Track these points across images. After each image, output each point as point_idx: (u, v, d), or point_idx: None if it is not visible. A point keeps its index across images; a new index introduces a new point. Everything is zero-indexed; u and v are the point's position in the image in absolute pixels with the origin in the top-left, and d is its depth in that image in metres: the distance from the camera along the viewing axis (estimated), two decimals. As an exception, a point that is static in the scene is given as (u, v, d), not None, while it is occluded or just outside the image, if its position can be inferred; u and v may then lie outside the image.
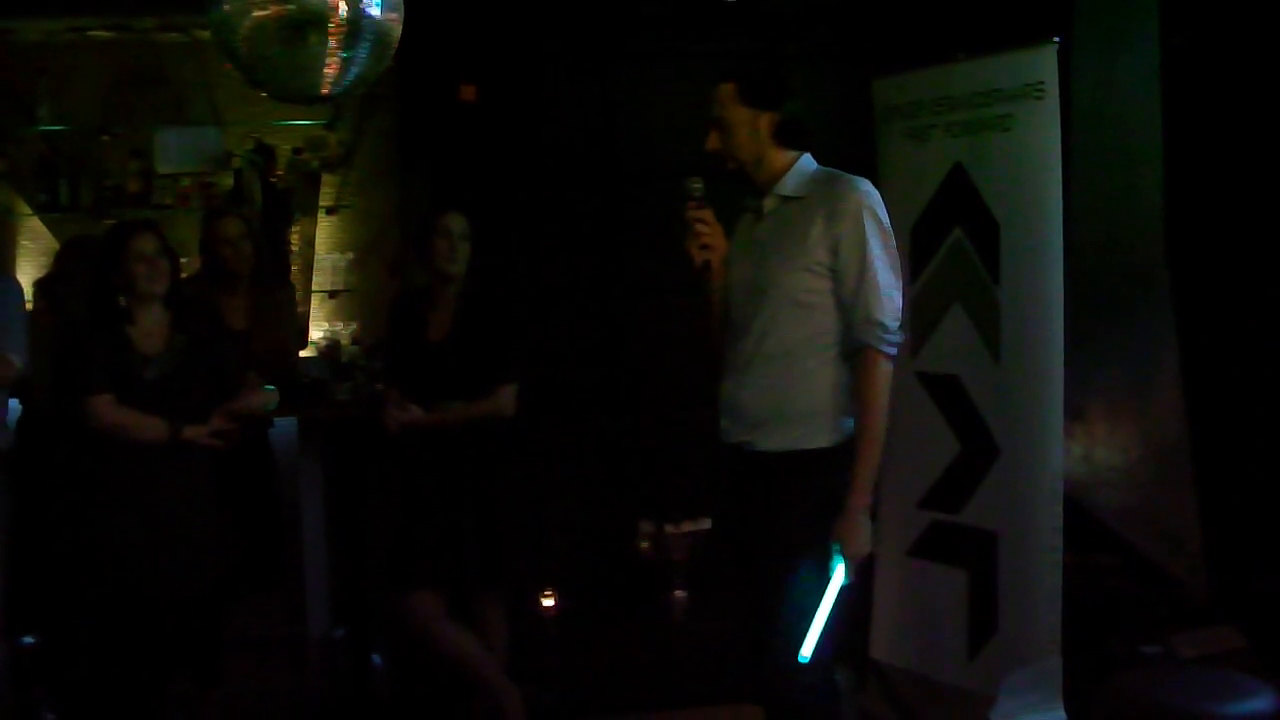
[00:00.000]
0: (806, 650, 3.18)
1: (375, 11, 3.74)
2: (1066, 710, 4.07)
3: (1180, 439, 5.16)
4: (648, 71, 5.84)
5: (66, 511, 3.92)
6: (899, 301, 3.25)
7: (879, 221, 3.24)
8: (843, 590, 3.19)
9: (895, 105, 4.49)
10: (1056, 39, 4.02)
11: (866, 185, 3.27)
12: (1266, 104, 4.86)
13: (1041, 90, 4.02)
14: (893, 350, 3.24)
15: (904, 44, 5.19)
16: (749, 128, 3.31)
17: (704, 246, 3.38)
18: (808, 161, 3.37)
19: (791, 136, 3.34)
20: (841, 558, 3.16)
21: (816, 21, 5.79)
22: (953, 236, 4.29)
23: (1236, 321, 5.06)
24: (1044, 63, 4.02)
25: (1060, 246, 4.01)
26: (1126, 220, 5.33)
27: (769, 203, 3.36)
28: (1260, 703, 3.54)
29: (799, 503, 3.24)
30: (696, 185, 3.37)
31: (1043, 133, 4.03)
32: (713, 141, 3.35)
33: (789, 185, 3.33)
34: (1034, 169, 4.05)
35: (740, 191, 3.46)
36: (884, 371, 3.22)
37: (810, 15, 5.79)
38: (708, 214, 3.38)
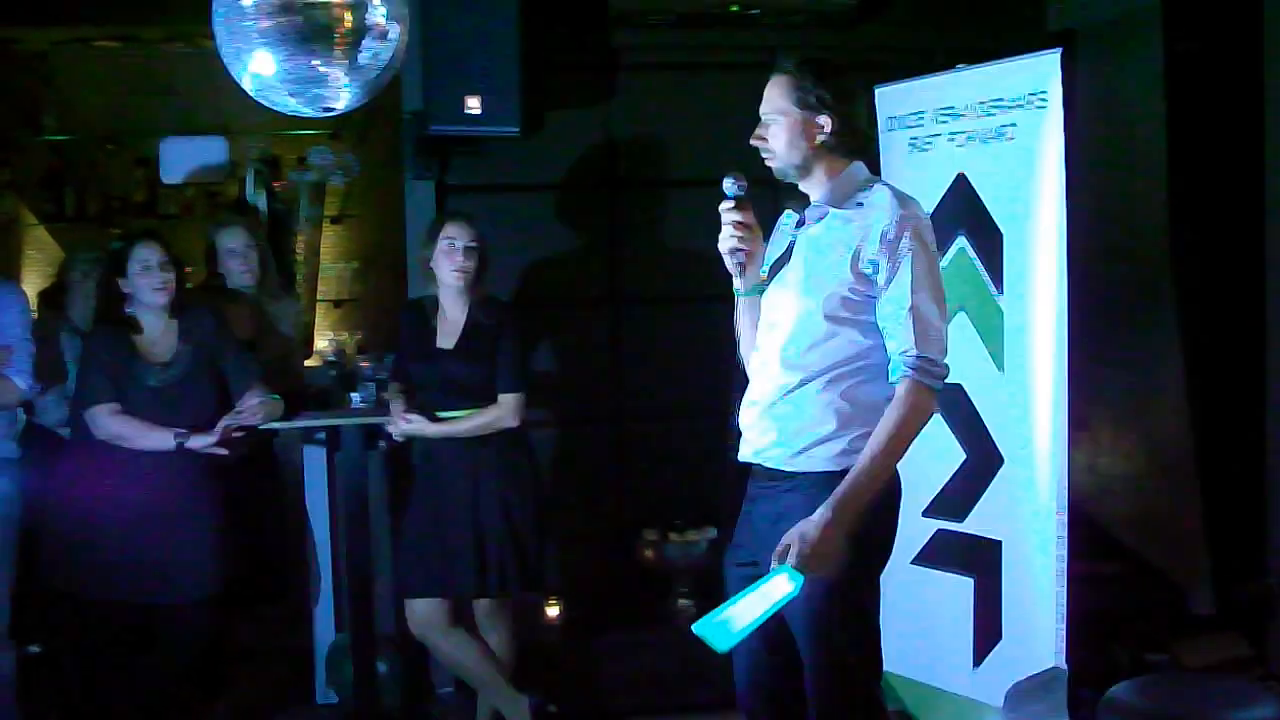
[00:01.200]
0: (725, 644, 2.86)
1: (380, 22, 3.75)
2: (1071, 719, 4.07)
3: (1185, 448, 5.16)
4: (651, 77, 5.84)
5: (72, 520, 3.93)
6: (945, 333, 3.02)
7: (927, 247, 3.01)
8: (793, 603, 2.86)
9: (898, 114, 4.49)
10: (1059, 48, 4.03)
11: (918, 207, 3.05)
12: (1271, 111, 4.86)
13: (1045, 99, 4.03)
14: (938, 385, 2.98)
15: (908, 52, 5.19)
16: (801, 129, 3.05)
17: (737, 250, 3.09)
18: (859, 170, 3.11)
19: (846, 144, 3.09)
20: (789, 565, 2.84)
21: (821, 28, 5.78)
22: (956, 245, 4.30)
23: (1241, 330, 5.06)
24: (1047, 71, 4.03)
25: (1064, 255, 4.01)
26: (1130, 229, 5.33)
27: (812, 212, 3.10)
28: (1264, 711, 3.54)
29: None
30: (737, 183, 3.08)
31: (1046, 142, 4.03)
32: (760, 136, 3.09)
33: (836, 196, 3.07)
34: (1037, 178, 4.06)
35: (783, 194, 3.22)
36: (924, 404, 2.97)
37: (814, 21, 5.79)
38: (746, 214, 3.07)
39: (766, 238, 3.19)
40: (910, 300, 2.96)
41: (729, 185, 3.07)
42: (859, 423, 3.03)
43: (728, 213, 3.08)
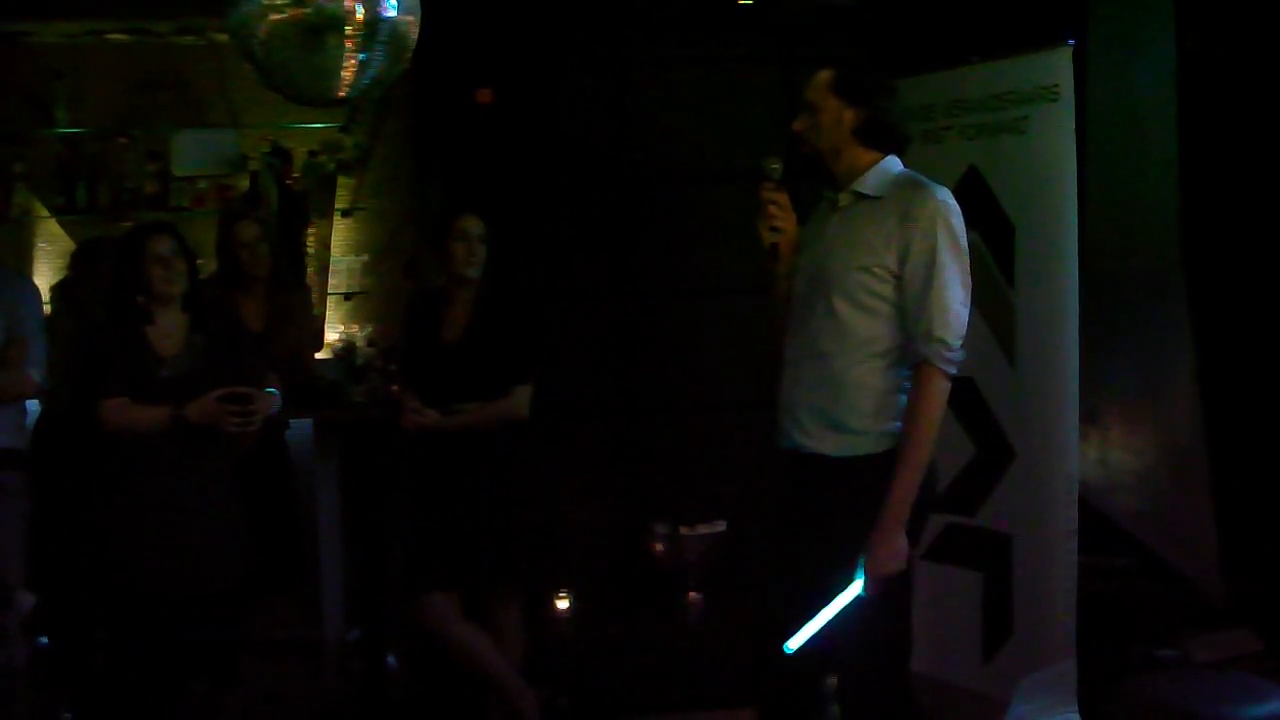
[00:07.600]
0: (794, 644, 3.13)
1: (392, 14, 3.75)
2: (1081, 714, 4.06)
3: (1195, 442, 5.15)
4: (662, 74, 5.84)
5: (85, 512, 3.93)
6: (965, 319, 3.14)
7: (954, 233, 3.13)
8: (858, 602, 3.09)
9: (910, 107, 4.47)
10: (1072, 41, 4.02)
11: (946, 194, 3.18)
12: (1282, 107, 4.86)
13: (1056, 93, 4.02)
14: (952, 369, 3.13)
15: (919, 46, 5.19)
16: (835, 118, 3.24)
17: (774, 229, 3.30)
18: (892, 163, 3.29)
19: (874, 136, 3.26)
20: (862, 571, 3.08)
21: (831, 24, 5.78)
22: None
23: (1251, 324, 5.05)
24: (1059, 65, 4.02)
25: (1075, 250, 4.01)
26: (1141, 223, 5.32)
27: (844, 198, 3.27)
28: (1275, 706, 3.54)
29: (846, 508, 3.16)
30: (775, 166, 3.30)
31: (1058, 136, 4.03)
32: (799, 123, 3.29)
33: (868, 184, 3.24)
34: (1049, 172, 4.05)
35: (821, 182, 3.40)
36: (940, 389, 3.12)
37: (824, 18, 5.79)
38: (782, 196, 3.31)
39: (802, 221, 3.38)
40: (933, 280, 3.09)
41: (767, 168, 3.29)
42: (886, 405, 3.18)
43: (767, 194, 3.29)
